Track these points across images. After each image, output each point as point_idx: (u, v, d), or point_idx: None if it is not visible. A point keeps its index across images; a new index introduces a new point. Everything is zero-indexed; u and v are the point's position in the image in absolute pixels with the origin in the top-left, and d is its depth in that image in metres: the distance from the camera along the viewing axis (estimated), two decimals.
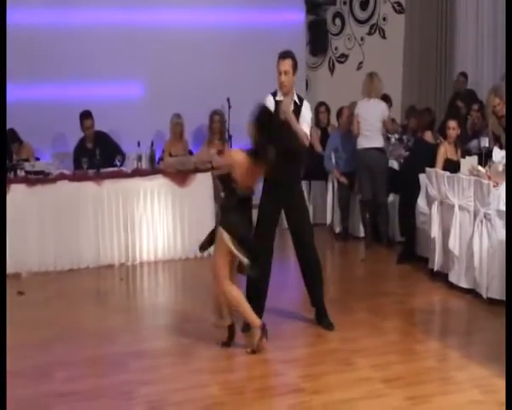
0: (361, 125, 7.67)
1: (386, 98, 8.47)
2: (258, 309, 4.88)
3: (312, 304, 5.24)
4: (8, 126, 7.56)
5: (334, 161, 8.29)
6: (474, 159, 6.49)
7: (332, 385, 4.20)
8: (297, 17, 9.40)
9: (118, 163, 7.33)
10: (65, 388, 4.25)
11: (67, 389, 4.23)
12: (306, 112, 5.18)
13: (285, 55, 5.12)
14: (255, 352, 4.62)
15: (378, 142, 7.65)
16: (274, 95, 5.14)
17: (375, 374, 4.29)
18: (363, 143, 7.67)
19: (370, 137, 7.63)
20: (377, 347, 4.75)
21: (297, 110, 5.10)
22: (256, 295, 4.99)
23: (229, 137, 8.57)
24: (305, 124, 5.14)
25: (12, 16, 7.92)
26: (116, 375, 4.41)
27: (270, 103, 5.03)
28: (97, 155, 7.31)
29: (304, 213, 5.23)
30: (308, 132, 5.15)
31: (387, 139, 8.06)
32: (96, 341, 5.02)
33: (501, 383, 4.13)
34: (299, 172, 5.34)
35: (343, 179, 8.13)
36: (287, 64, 5.06)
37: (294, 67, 5.09)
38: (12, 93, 8.02)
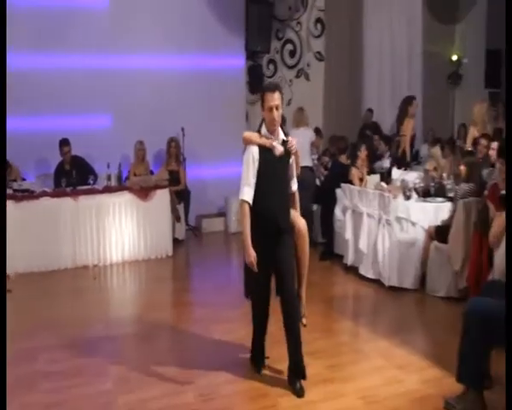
0: None
1: (318, 131, 8.71)
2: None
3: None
4: None
5: None
6: (377, 176, 6.73)
7: None
8: (239, 62, 9.55)
9: (91, 182, 7.28)
10: (48, 368, 4.22)
11: (50, 369, 4.20)
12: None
13: (274, 87, 3.67)
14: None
15: (308, 161, 7.76)
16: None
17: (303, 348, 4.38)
18: None
19: (301, 158, 7.73)
20: (303, 328, 4.84)
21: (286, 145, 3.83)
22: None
23: (184, 159, 8.61)
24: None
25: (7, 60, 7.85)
26: (91, 356, 4.39)
27: (255, 152, 3.69)
28: (74, 176, 7.21)
29: None
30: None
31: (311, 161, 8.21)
32: (74, 329, 4.97)
33: (399, 352, 4.34)
34: None
35: None
36: (277, 98, 3.62)
37: (282, 99, 3.70)
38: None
